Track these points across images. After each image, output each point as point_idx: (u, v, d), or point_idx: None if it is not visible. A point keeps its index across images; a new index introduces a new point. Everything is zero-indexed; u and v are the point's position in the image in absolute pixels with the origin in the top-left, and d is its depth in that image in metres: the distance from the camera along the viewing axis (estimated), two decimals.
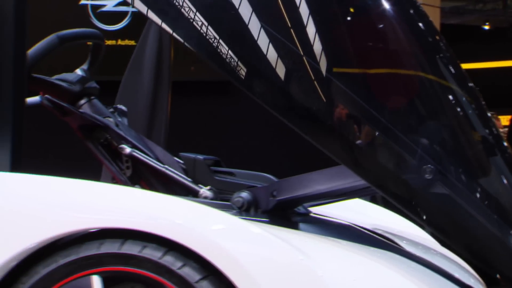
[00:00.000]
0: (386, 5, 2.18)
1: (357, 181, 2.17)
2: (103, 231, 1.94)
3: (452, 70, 2.20)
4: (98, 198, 2.05)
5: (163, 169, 2.39)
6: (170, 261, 1.89)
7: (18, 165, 2.17)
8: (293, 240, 2.01)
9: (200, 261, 1.89)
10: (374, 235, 2.47)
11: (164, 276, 1.89)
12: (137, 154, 2.43)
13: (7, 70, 2.16)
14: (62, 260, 1.95)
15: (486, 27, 19.18)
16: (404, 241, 2.47)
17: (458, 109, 2.19)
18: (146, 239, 1.90)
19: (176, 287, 1.88)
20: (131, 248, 1.91)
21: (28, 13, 2.19)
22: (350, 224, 2.50)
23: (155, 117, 3.06)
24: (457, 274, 2.29)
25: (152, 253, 1.90)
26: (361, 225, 2.53)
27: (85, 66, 2.65)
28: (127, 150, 2.42)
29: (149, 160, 2.43)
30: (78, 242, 1.96)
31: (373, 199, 6.13)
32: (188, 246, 1.87)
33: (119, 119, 2.55)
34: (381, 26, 2.19)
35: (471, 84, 2.22)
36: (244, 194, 2.29)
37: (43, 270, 1.95)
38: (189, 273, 1.89)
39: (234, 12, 2.11)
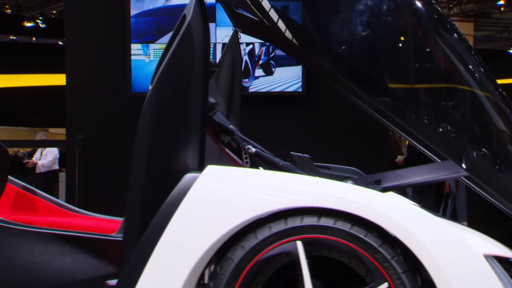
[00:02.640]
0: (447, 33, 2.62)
1: (450, 174, 2.60)
2: (298, 209, 2.31)
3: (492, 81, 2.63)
4: (298, 185, 2.39)
5: (282, 164, 2.73)
6: (357, 231, 2.27)
7: (202, 163, 2.51)
8: None
9: (377, 231, 2.27)
10: None
11: (353, 242, 2.27)
12: (262, 152, 2.76)
13: (197, 97, 2.52)
14: (274, 229, 2.31)
15: (511, 51, 20.50)
16: None
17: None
18: (334, 215, 2.29)
19: (363, 250, 2.26)
20: (326, 221, 2.28)
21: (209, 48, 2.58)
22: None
23: (229, 115, 3.26)
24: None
25: (343, 225, 2.28)
26: None
27: None
28: (253, 149, 2.75)
29: (271, 157, 2.76)
30: (282, 217, 2.32)
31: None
32: (371, 220, 2.26)
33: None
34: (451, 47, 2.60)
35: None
36: (350, 182, 2.68)
37: (259, 236, 2.31)
38: (372, 239, 2.26)
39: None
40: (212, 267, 2.45)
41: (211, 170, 2.41)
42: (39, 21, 17.11)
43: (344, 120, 5.97)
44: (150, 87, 2.53)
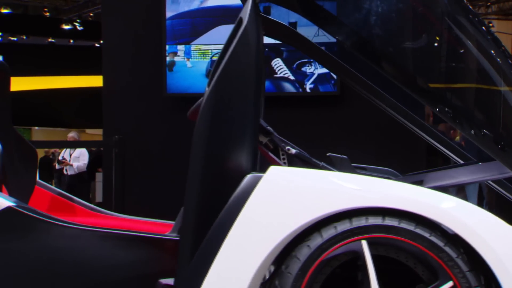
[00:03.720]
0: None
1: (495, 175, 2.59)
2: (361, 209, 2.35)
3: None
4: (361, 185, 2.43)
5: (321, 164, 2.74)
6: (421, 230, 2.30)
7: (256, 164, 2.56)
8: None
9: (440, 231, 2.31)
10: None
11: (417, 241, 2.30)
12: (302, 153, 2.76)
13: (251, 99, 2.55)
14: (339, 228, 2.34)
15: None
16: None
17: None
18: (398, 215, 2.32)
19: (427, 249, 2.29)
20: (391, 221, 2.32)
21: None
22: None
23: None
24: None
25: (408, 225, 2.31)
26: None
27: None
28: (293, 150, 2.75)
29: (310, 158, 2.76)
30: (346, 217, 2.34)
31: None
32: (438, 220, 2.30)
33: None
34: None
35: None
36: None
37: (325, 235, 2.34)
38: (437, 239, 2.30)
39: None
40: (271, 268, 2.46)
41: (275, 170, 2.44)
42: (76, 24, 17.34)
43: (379, 120, 5.86)
44: (207, 89, 2.57)
